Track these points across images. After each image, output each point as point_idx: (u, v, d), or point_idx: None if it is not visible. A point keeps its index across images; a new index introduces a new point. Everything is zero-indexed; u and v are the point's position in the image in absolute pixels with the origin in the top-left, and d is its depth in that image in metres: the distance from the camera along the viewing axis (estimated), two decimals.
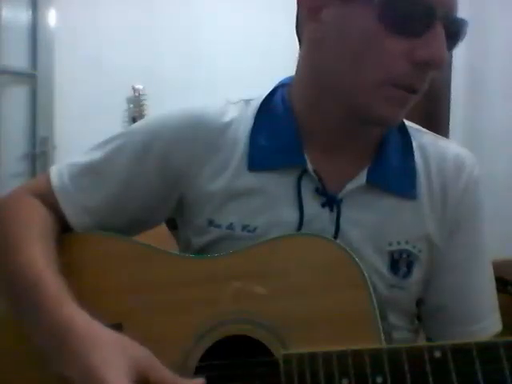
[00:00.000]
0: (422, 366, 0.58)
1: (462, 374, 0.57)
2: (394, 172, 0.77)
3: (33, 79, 2.60)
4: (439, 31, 0.65)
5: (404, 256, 0.76)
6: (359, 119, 0.72)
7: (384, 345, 0.63)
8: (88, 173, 0.80)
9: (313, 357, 0.62)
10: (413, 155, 0.79)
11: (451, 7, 0.67)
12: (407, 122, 0.83)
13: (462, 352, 0.57)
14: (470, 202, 0.80)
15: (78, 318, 0.62)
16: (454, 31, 0.68)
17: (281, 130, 0.77)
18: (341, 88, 0.71)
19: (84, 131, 2.47)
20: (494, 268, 0.83)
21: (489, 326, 0.79)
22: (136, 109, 2.75)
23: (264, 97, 0.81)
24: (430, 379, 0.57)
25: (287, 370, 0.62)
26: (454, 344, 0.58)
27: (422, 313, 0.82)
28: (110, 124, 2.60)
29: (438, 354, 0.58)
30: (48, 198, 0.79)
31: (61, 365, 0.59)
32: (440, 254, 0.79)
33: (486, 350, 0.56)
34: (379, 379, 0.59)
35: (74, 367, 0.58)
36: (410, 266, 0.76)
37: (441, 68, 0.66)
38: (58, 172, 0.81)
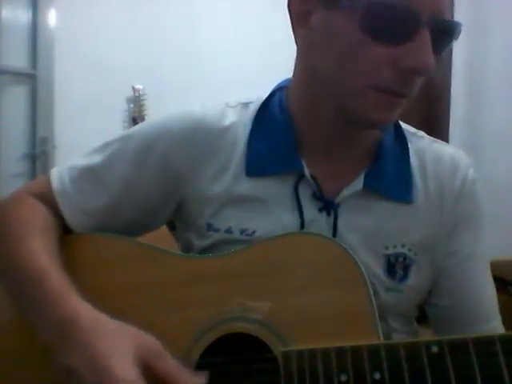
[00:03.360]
0: (420, 361, 0.58)
1: (459, 369, 0.57)
2: (390, 177, 0.77)
3: (33, 79, 2.61)
4: (424, 37, 0.63)
5: (400, 259, 0.76)
6: (351, 123, 0.72)
7: (382, 341, 0.63)
8: (88, 176, 0.80)
9: (312, 353, 0.62)
10: (409, 160, 0.79)
11: (439, 10, 0.64)
12: (404, 126, 0.83)
13: (458, 347, 0.57)
14: (467, 201, 0.80)
15: (83, 309, 0.62)
16: (444, 33, 0.66)
17: (278, 134, 0.77)
18: (331, 93, 0.71)
19: (84, 131, 2.48)
20: (493, 268, 0.83)
21: (497, 326, 0.79)
22: (136, 109, 2.75)
23: (262, 100, 0.81)
24: (428, 374, 0.58)
25: (286, 366, 0.63)
26: (451, 339, 0.58)
27: (431, 315, 0.82)
28: (110, 124, 2.61)
29: (435, 349, 0.58)
30: (48, 200, 0.79)
31: (66, 356, 0.59)
32: (440, 257, 0.79)
33: (483, 344, 0.57)
34: (377, 375, 0.59)
35: (79, 357, 0.57)
36: (406, 270, 0.76)
37: (427, 75, 0.64)
38: (58, 174, 0.81)
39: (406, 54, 0.63)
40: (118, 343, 0.57)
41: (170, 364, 0.59)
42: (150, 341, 0.60)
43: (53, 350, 0.61)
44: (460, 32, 0.68)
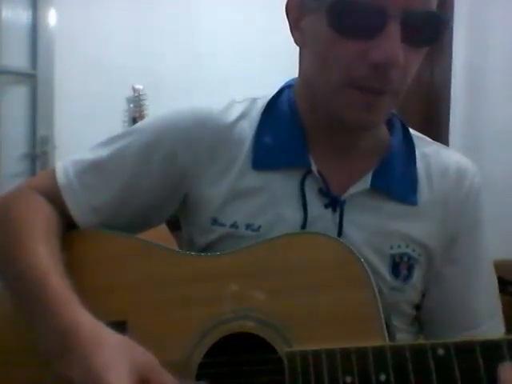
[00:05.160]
0: (425, 364, 0.58)
1: (465, 371, 0.57)
2: (397, 178, 0.77)
3: (33, 79, 2.61)
4: (391, 31, 0.63)
5: (405, 259, 0.76)
6: (337, 123, 0.73)
7: (387, 342, 0.63)
8: (94, 170, 0.79)
9: (316, 354, 0.62)
10: (415, 163, 0.79)
11: (411, 3, 0.63)
12: (411, 131, 0.83)
13: (464, 349, 0.57)
14: (470, 214, 0.80)
15: (82, 319, 0.62)
16: (422, 25, 0.66)
17: (286, 130, 0.78)
18: (317, 94, 0.72)
19: (84, 131, 2.47)
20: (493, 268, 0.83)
21: (487, 331, 0.79)
22: (136, 109, 2.75)
23: (270, 96, 0.81)
24: (433, 376, 0.58)
25: (291, 367, 0.62)
26: (457, 341, 0.58)
27: (420, 317, 0.82)
28: (110, 124, 2.61)
29: (441, 352, 0.58)
30: (53, 195, 0.79)
31: (64, 366, 0.59)
32: (438, 263, 0.79)
33: (489, 347, 0.57)
34: (383, 376, 0.59)
35: (74, 368, 0.57)
36: (410, 269, 0.77)
37: (397, 67, 0.65)
38: (63, 169, 0.80)
39: (373, 48, 0.64)
40: (115, 356, 0.57)
41: (165, 379, 0.58)
42: (147, 356, 0.59)
43: (51, 358, 0.61)
44: (447, 23, 0.68)
